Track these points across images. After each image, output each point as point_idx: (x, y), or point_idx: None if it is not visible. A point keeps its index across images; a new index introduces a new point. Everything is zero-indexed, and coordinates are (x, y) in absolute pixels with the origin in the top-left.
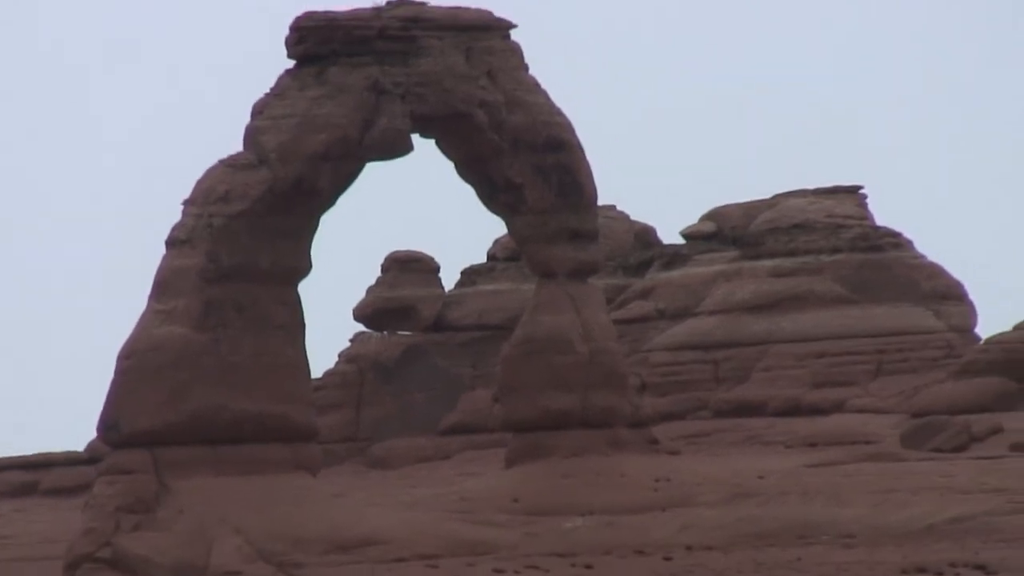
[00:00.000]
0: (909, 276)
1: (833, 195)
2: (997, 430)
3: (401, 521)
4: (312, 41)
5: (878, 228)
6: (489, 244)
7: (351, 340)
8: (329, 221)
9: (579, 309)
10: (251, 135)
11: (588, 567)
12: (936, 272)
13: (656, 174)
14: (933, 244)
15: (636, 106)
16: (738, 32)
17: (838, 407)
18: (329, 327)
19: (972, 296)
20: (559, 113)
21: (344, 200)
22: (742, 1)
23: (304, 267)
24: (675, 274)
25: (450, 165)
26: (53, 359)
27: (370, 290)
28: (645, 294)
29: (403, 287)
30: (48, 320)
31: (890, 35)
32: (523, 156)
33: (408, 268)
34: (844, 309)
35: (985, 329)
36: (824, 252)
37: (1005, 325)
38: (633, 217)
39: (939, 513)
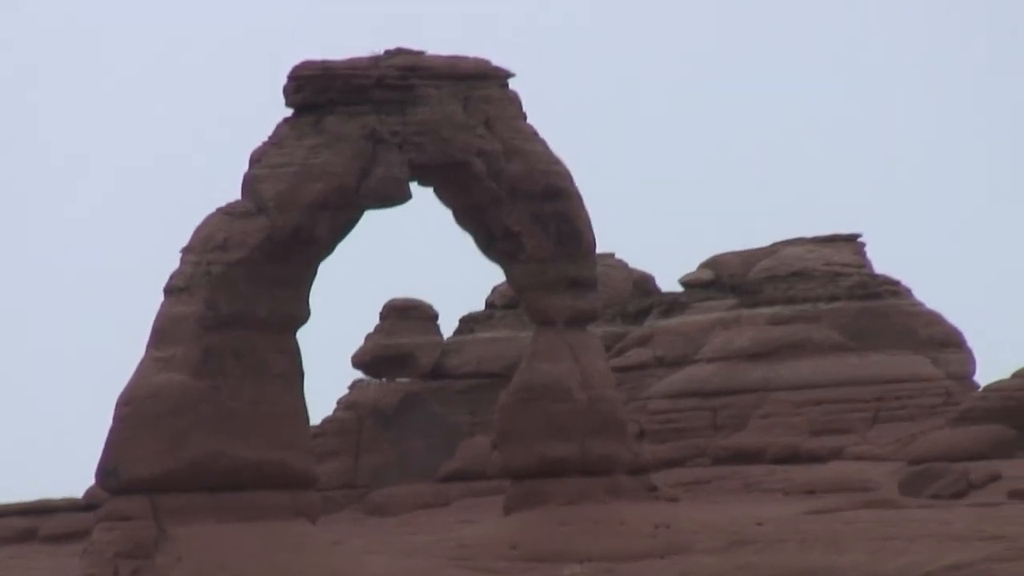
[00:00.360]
0: (907, 324)
1: (831, 243)
2: (995, 477)
3: (400, 568)
4: (310, 90)
5: (876, 276)
6: (487, 292)
7: (349, 387)
8: (327, 269)
9: (577, 357)
10: (249, 183)
11: None
12: (934, 320)
13: (655, 222)
14: (931, 292)
15: (634, 154)
16: (736, 81)
17: (836, 454)
18: (327, 374)
19: (970, 343)
20: (557, 161)
21: (342, 248)
22: (740, 49)
23: (302, 315)
24: (673, 322)
25: (448, 213)
26: (52, 405)
27: (368, 338)
28: (643, 342)
29: (401, 335)
30: (47, 366)
31: (887, 84)
32: (521, 204)
33: (406, 316)
34: (842, 357)
35: (983, 376)
36: (822, 300)
37: (1003, 372)
38: (632, 265)
39: (937, 560)
